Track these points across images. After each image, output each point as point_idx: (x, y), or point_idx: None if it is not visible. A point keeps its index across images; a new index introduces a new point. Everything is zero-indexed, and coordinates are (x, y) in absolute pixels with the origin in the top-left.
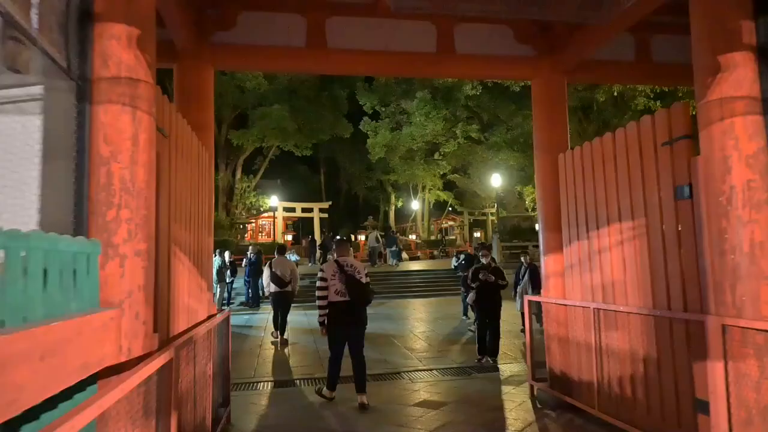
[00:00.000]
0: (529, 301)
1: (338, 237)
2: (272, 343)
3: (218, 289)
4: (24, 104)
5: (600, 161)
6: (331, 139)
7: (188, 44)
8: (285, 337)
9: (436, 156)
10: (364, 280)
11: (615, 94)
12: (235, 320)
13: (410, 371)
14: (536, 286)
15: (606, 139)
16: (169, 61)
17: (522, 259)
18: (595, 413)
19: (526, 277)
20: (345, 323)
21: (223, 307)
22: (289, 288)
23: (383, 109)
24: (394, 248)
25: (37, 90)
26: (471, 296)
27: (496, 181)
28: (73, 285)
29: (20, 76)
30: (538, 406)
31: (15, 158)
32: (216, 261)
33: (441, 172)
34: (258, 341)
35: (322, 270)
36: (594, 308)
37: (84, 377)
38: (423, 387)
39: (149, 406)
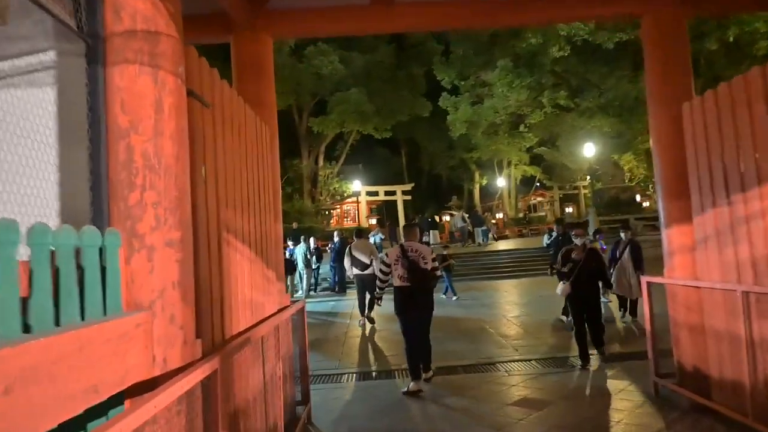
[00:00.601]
0: (648, 284)
1: (414, 220)
2: (360, 324)
3: (305, 276)
4: (36, 75)
5: (745, 104)
6: (410, 120)
7: (242, 13)
8: (371, 315)
9: (521, 128)
10: (429, 266)
11: (731, 39)
12: (320, 307)
13: (506, 362)
14: (639, 265)
15: (753, 75)
16: (225, 34)
17: (621, 234)
18: (748, 422)
19: (626, 254)
20: (408, 308)
21: (310, 293)
22: (370, 270)
23: (462, 83)
24: (484, 227)
25: (50, 57)
26: (561, 288)
27: (588, 150)
28: (74, 288)
29: (30, 42)
30: (665, 408)
31: (30, 139)
32: (301, 248)
33: (527, 146)
34: (343, 328)
35: (386, 254)
36: (742, 292)
37: (95, 402)
38: (521, 381)
39: (194, 426)
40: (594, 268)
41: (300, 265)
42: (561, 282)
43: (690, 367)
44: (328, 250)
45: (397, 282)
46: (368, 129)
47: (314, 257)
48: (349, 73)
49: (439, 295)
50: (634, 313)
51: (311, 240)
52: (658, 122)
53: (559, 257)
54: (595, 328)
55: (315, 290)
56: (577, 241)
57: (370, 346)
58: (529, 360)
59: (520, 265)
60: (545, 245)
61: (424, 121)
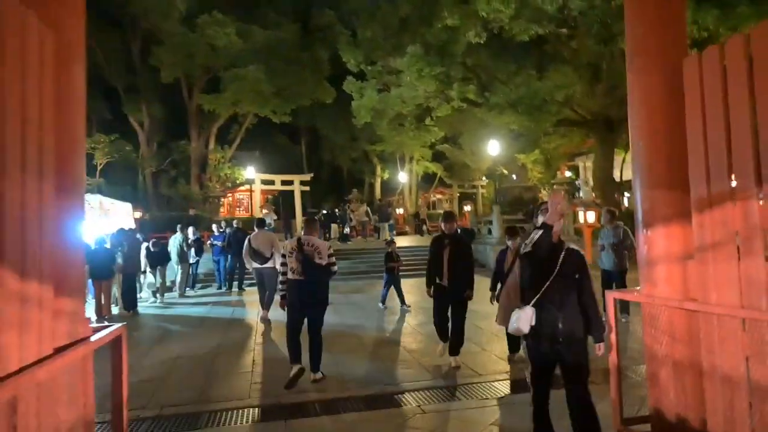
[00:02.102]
0: (616, 300)
1: (307, 217)
2: (262, 320)
3: (179, 271)
4: None
5: None
6: (312, 106)
7: None
8: (266, 312)
9: (427, 121)
10: (323, 261)
11: None
12: (195, 311)
13: (417, 390)
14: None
15: None
16: None
17: (508, 242)
18: None
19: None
20: (299, 302)
21: (187, 291)
22: (270, 264)
23: (369, 68)
24: (391, 222)
25: None
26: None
27: (493, 148)
28: None
29: None
30: None
31: None
32: (176, 239)
33: (432, 140)
34: (224, 336)
35: (284, 247)
36: None
37: None
38: (436, 424)
39: None
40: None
41: (173, 258)
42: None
43: (673, 416)
44: (210, 242)
45: (290, 275)
46: (266, 111)
47: (193, 250)
48: (247, 48)
49: (377, 303)
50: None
51: (190, 230)
52: (642, 86)
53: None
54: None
55: (193, 288)
56: (510, 243)
57: (254, 365)
58: (443, 387)
59: (419, 264)
60: None
61: (327, 109)
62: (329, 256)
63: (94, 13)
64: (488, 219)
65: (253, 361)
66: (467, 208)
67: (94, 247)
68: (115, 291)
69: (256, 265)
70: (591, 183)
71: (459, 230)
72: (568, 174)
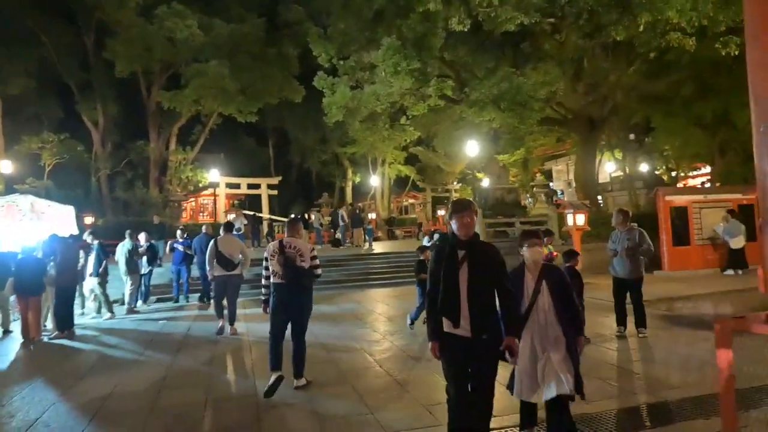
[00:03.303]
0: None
1: (291, 218)
2: (217, 333)
3: (128, 283)
4: None
5: None
6: (280, 106)
7: None
8: (234, 327)
9: (402, 121)
10: (306, 264)
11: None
12: (149, 329)
13: None
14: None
15: None
16: None
17: None
18: None
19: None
20: (282, 305)
21: (137, 306)
22: (237, 271)
23: (342, 62)
24: (369, 227)
25: None
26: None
27: (471, 149)
28: None
29: None
30: None
31: None
32: (124, 246)
33: (406, 141)
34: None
35: (267, 249)
36: None
37: None
38: None
39: None
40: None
41: (121, 268)
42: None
43: None
44: (171, 247)
45: (273, 279)
46: (230, 110)
47: (144, 258)
48: (209, 42)
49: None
50: None
51: (141, 236)
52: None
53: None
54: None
55: (145, 302)
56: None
57: (207, 407)
58: None
59: (396, 271)
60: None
61: (296, 109)
62: (312, 258)
63: (45, 4)
64: None
65: (206, 401)
66: (441, 212)
67: (20, 257)
68: (49, 308)
69: (220, 272)
70: (574, 184)
71: (438, 234)
72: (539, 178)
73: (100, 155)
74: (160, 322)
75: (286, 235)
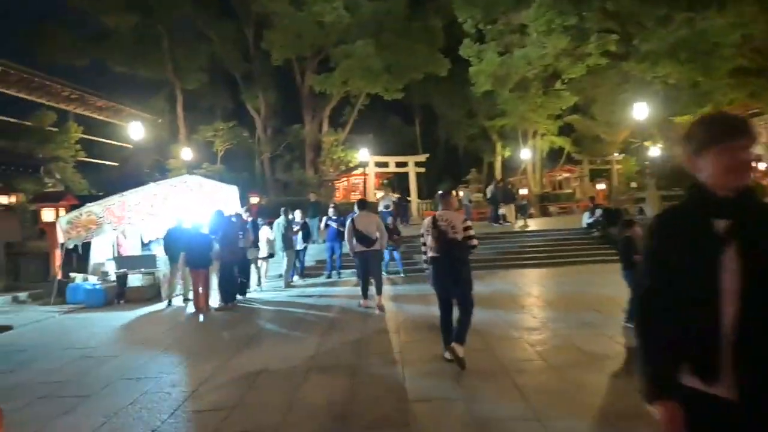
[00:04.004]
0: None
1: (443, 191)
2: (360, 306)
3: (285, 260)
4: None
5: None
6: (426, 82)
7: None
8: (381, 303)
9: (557, 85)
10: (458, 236)
11: None
12: (304, 303)
13: None
14: None
15: None
16: None
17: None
18: None
19: None
20: (440, 279)
21: (294, 280)
22: (377, 246)
23: (488, 27)
24: (524, 202)
25: None
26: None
27: (640, 112)
28: None
29: None
30: None
31: None
32: (279, 223)
33: (561, 108)
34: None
35: (423, 225)
36: None
37: None
38: None
39: None
40: None
41: (278, 244)
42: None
43: None
44: (325, 223)
45: (429, 252)
46: (377, 88)
47: (300, 235)
48: (354, 22)
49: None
50: None
51: (296, 213)
52: None
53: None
54: None
55: (301, 276)
56: None
57: (355, 390)
58: None
59: (554, 249)
60: (585, 225)
61: (442, 84)
62: (465, 229)
63: (210, 4)
64: (639, 196)
65: (352, 386)
66: (601, 186)
67: (190, 233)
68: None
69: (360, 248)
70: None
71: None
72: None
73: (262, 140)
74: (315, 295)
75: (439, 209)
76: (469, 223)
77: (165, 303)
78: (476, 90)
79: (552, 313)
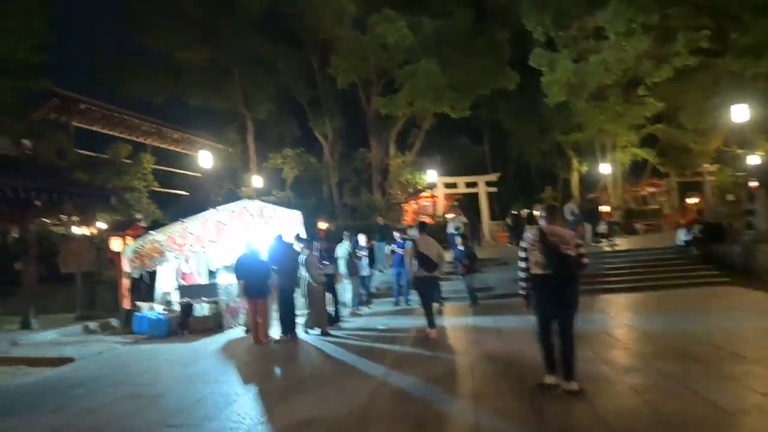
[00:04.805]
0: None
1: (548, 204)
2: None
3: (349, 287)
4: None
5: None
6: (494, 97)
7: None
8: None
9: (640, 91)
10: (571, 251)
11: None
12: (368, 335)
13: None
14: None
15: None
16: None
17: None
18: None
19: None
20: (547, 298)
21: (360, 309)
22: (436, 272)
23: (560, 34)
24: (613, 220)
25: None
26: None
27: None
28: None
29: None
30: None
31: None
32: (344, 248)
33: (645, 115)
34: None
35: (523, 239)
36: None
37: None
38: None
39: None
40: None
41: (342, 270)
42: None
43: None
44: (391, 250)
45: (534, 269)
46: (443, 107)
47: (365, 260)
48: (418, 41)
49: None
50: None
51: (361, 237)
52: None
53: None
54: None
55: (368, 305)
56: None
57: None
58: None
59: (644, 271)
60: (682, 242)
61: (510, 99)
62: (577, 246)
63: (277, 34)
64: (748, 208)
65: None
66: (693, 200)
67: (247, 260)
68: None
69: (423, 273)
70: None
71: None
72: None
73: (329, 165)
74: (380, 326)
75: (544, 223)
76: (579, 240)
77: (228, 333)
78: (549, 101)
79: (654, 346)
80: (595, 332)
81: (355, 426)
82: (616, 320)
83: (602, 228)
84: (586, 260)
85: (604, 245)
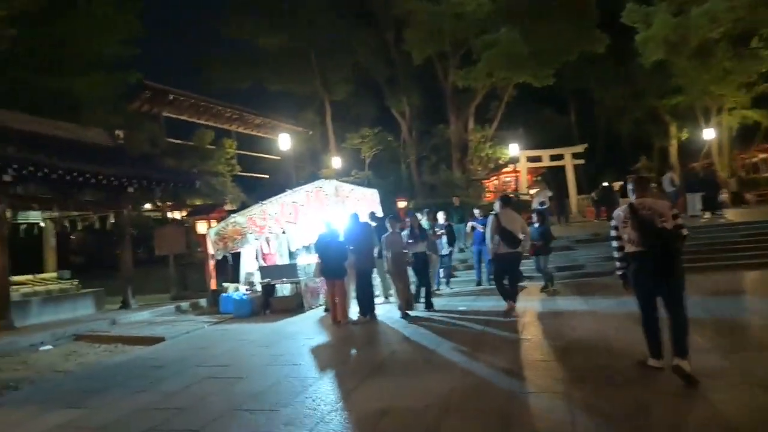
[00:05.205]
0: None
1: (637, 176)
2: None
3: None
4: None
5: None
6: (580, 63)
7: None
8: (514, 306)
9: (753, 43)
10: (668, 224)
11: None
12: (447, 318)
13: None
14: None
15: None
16: None
17: None
18: None
19: None
20: (646, 276)
21: (440, 289)
22: (520, 248)
23: None
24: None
25: None
26: None
27: None
28: None
29: None
30: None
31: None
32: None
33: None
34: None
35: (613, 217)
36: None
37: None
38: None
39: None
40: None
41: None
42: None
43: None
44: (471, 227)
45: (629, 247)
46: (524, 76)
47: (444, 239)
48: (495, 8)
49: None
50: None
51: (439, 216)
52: None
53: None
54: None
55: (447, 285)
56: None
57: None
58: None
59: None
60: None
61: (598, 64)
62: (674, 217)
63: (352, 14)
64: None
65: None
66: None
67: (325, 240)
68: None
69: (505, 249)
70: None
71: None
72: None
73: (408, 143)
74: (461, 308)
75: (634, 196)
76: (676, 210)
77: (308, 313)
78: (645, 60)
79: None
80: (704, 317)
81: (434, 420)
82: (731, 303)
83: (723, 197)
84: (685, 231)
85: (711, 218)
